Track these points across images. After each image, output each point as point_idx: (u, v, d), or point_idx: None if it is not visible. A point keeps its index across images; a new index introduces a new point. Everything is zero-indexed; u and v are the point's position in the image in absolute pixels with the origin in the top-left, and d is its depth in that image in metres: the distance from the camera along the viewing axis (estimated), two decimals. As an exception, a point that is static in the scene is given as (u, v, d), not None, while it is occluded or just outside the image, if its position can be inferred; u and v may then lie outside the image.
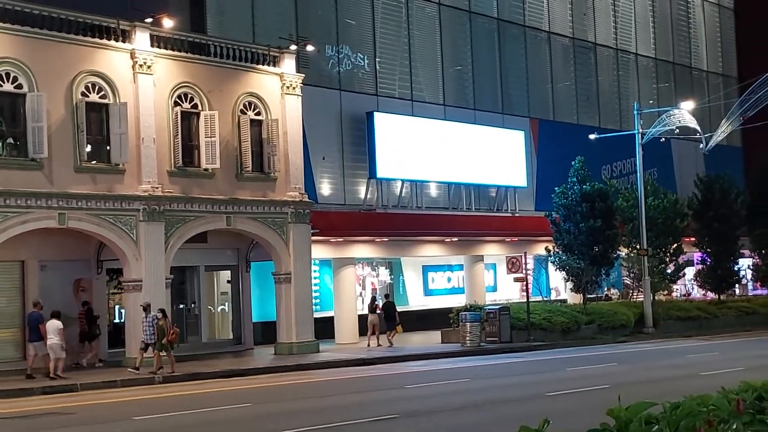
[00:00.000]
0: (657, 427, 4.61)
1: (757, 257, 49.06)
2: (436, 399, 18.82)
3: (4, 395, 20.70)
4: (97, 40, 26.22)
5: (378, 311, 33.09)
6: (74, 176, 25.53)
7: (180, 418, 16.96)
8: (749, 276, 51.09)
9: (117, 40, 26.60)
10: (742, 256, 47.83)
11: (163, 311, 24.43)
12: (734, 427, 4.58)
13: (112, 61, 26.50)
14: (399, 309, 34.28)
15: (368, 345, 32.33)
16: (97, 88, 26.14)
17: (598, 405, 5.37)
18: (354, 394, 20.48)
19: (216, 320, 32.56)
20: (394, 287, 40.40)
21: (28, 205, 24.38)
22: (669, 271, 41.72)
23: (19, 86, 24.57)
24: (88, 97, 25.92)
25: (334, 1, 38.45)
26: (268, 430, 15.39)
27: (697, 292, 48.20)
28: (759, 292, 50.65)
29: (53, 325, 23.29)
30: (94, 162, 26.20)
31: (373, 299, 34.73)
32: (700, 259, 45.76)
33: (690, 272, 46.82)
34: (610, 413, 4.64)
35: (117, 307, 28.21)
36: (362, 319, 34.97)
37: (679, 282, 44.95)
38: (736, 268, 46.13)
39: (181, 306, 29.85)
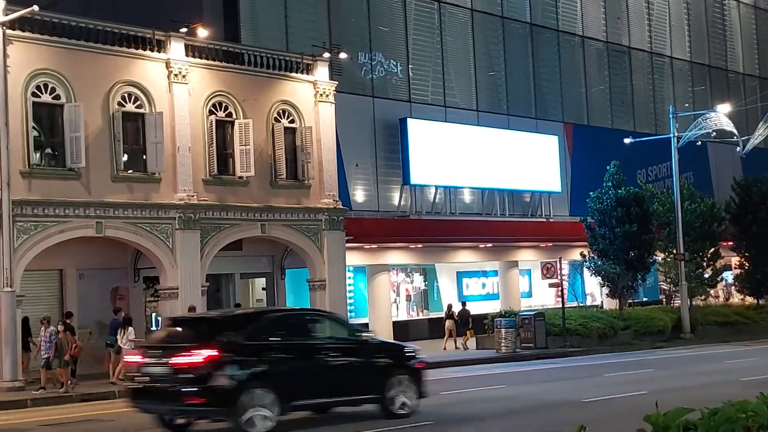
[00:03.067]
0: (696, 433, 4.55)
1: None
2: (472, 405, 18.65)
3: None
4: (132, 50, 26.49)
5: (455, 317, 33.77)
6: (111, 185, 25.80)
7: None
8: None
9: (152, 51, 26.86)
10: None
11: (65, 324, 22.72)
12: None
13: (148, 71, 26.75)
14: (433, 315, 34.26)
15: (444, 348, 32.75)
16: (133, 97, 26.39)
17: (636, 411, 5.33)
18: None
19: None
20: (428, 293, 40.37)
21: (66, 215, 24.67)
22: (706, 275, 41.23)
23: (57, 97, 24.88)
24: (124, 106, 26.17)
25: (367, 9, 38.54)
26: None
27: (735, 297, 47.60)
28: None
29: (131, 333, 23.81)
30: (130, 171, 26.47)
31: (450, 306, 35.21)
32: (738, 263, 45.27)
33: (728, 277, 46.30)
34: (647, 419, 4.57)
35: (153, 314, 28.38)
36: (396, 325, 35.15)
37: (717, 287, 44.42)
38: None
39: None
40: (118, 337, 23.94)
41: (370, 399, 16.10)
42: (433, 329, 37.96)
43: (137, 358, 15.29)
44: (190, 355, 13.80)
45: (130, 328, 24.05)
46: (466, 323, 33.87)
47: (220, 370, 13.82)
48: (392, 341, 22.16)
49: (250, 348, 14.64)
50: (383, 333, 34.34)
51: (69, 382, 22.11)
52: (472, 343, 33.69)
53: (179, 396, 13.98)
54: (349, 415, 16.32)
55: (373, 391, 15.90)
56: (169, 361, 14.11)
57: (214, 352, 13.88)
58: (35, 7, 23.11)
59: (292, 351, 15.49)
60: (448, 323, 33.94)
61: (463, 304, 35.69)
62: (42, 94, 24.65)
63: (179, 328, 16.86)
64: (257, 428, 13.89)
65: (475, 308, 38.37)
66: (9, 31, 23.09)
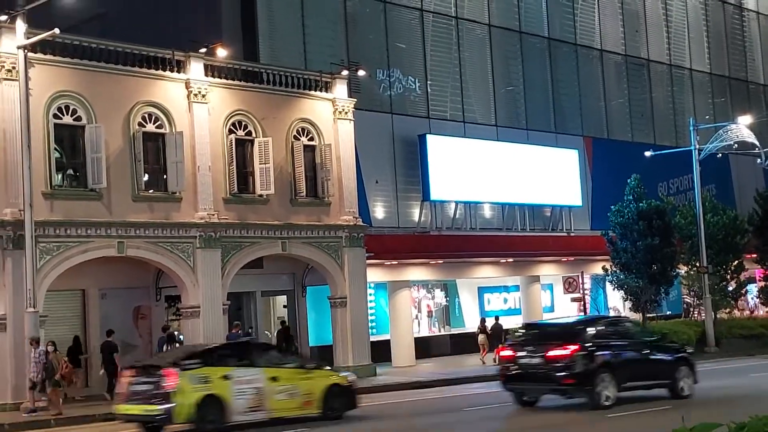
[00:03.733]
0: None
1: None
2: (493, 422, 18.67)
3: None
4: (152, 71, 26.66)
5: (488, 331, 34.23)
6: (132, 205, 25.91)
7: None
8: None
9: (172, 71, 27.03)
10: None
11: (54, 344, 22.63)
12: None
13: (168, 91, 26.91)
14: (455, 331, 34.11)
15: (483, 362, 33.04)
16: (153, 118, 26.54)
17: (662, 426, 5.29)
18: (411, 417, 20.34)
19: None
20: (450, 309, 40.31)
21: (88, 235, 24.78)
22: (730, 288, 40.94)
23: (78, 118, 25.06)
24: (144, 127, 26.32)
25: (384, 26, 38.69)
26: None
27: (761, 310, 47.18)
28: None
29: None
30: (151, 191, 26.58)
31: (483, 320, 35.57)
32: (763, 275, 44.89)
33: (752, 289, 45.89)
34: None
35: (176, 333, 28.46)
36: (418, 341, 35.16)
37: (741, 299, 44.04)
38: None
39: (236, 332, 29.93)
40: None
41: (664, 384, 20.57)
42: (455, 345, 37.91)
43: (509, 353, 20.49)
44: (563, 349, 18.78)
45: (176, 344, 25.26)
46: (498, 338, 33.54)
47: (582, 360, 18.67)
48: (673, 341, 26.54)
49: (596, 345, 19.40)
50: (405, 350, 34.40)
51: (60, 402, 21.86)
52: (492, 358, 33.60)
53: (554, 379, 18.83)
54: (640, 397, 20.03)
55: (667, 377, 20.50)
56: (545, 354, 19.00)
57: (576, 347, 18.81)
58: (56, 30, 23.30)
59: (619, 347, 20.25)
60: (481, 338, 34.22)
61: (496, 318, 35.48)
62: (63, 115, 24.84)
63: (540, 331, 22.63)
64: (604, 402, 18.60)
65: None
66: (30, 54, 23.24)
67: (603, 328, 21.56)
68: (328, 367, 21.98)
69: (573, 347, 18.86)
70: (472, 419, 19.22)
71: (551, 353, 19.02)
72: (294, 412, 18.60)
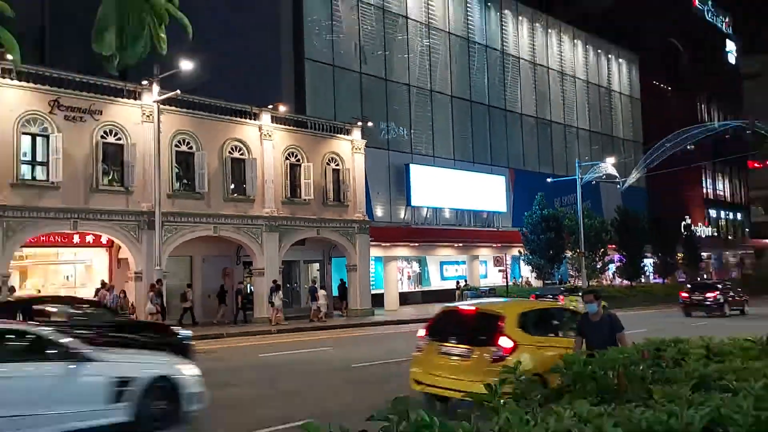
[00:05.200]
0: (590, 367, 4.61)
1: (656, 258, 48.28)
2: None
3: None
4: (237, 119, 26.69)
5: (461, 289, 34.98)
6: (223, 203, 25.94)
7: (292, 356, 17.08)
8: (651, 270, 50.23)
9: (250, 119, 27.06)
10: (646, 257, 47.06)
11: (153, 286, 21.83)
12: (641, 367, 4.60)
13: (247, 132, 26.93)
14: (425, 289, 34.11)
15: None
16: (237, 148, 26.57)
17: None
18: (399, 340, 20.43)
19: (305, 295, 32.67)
20: (422, 275, 40.34)
21: (195, 222, 24.86)
22: (598, 266, 41.18)
23: (190, 147, 25.13)
24: (232, 154, 26.34)
25: (385, 95, 38.72)
26: (350, 360, 15.51)
27: (617, 281, 47.49)
28: (657, 280, 49.68)
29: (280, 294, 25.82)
30: (235, 194, 26.55)
31: (458, 282, 36.61)
32: (618, 258, 45.13)
33: (612, 267, 46.16)
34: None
35: (249, 285, 28.51)
36: (401, 294, 35.23)
37: (604, 273, 44.28)
38: (642, 265, 45.37)
39: (288, 285, 30.06)
40: (274, 298, 25.57)
41: None
42: (425, 297, 37.97)
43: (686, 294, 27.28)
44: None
45: (279, 292, 25.79)
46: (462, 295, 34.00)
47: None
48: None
49: None
50: (393, 299, 34.38)
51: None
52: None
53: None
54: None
55: None
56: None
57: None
58: (178, 91, 23.46)
59: None
60: (458, 293, 34.54)
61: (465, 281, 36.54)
62: (181, 145, 24.90)
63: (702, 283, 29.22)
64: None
65: (451, 284, 38.39)
66: (161, 106, 23.36)
67: None
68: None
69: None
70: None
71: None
72: None
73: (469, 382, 8.05)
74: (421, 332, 9.89)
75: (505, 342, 8.77)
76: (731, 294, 30.61)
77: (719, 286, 31.31)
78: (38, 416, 7.42)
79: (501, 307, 10.17)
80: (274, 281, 26.23)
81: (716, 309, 28.99)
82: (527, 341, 8.94)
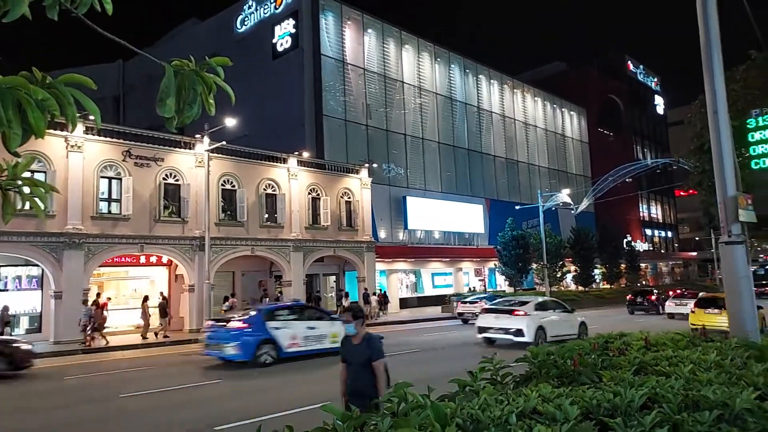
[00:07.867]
0: (553, 356, 4.59)
1: (604, 267, 47.86)
2: (439, 341, 18.51)
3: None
4: (270, 163, 26.71)
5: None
6: (259, 229, 25.87)
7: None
8: (600, 278, 49.79)
9: (280, 163, 27.09)
10: (596, 267, 46.67)
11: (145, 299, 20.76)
12: (592, 356, 4.58)
13: (278, 172, 26.94)
14: (420, 295, 33.65)
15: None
16: (270, 186, 26.57)
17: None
18: (401, 336, 20.14)
19: (328, 301, 32.40)
20: (417, 284, 40.05)
21: (236, 244, 24.78)
22: (558, 275, 40.88)
23: (233, 185, 25.17)
24: (266, 191, 26.32)
25: (386, 142, 38.89)
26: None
27: (572, 286, 47.07)
28: (605, 286, 49.25)
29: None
30: (268, 222, 26.48)
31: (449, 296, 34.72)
32: (574, 270, 44.80)
33: (569, 276, 45.79)
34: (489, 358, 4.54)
35: (280, 295, 28.32)
36: (401, 300, 34.73)
37: (563, 282, 43.91)
38: (592, 274, 44.97)
39: (310, 294, 29.90)
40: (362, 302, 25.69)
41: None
42: (420, 302, 37.62)
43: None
44: None
45: (371, 297, 25.84)
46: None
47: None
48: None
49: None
50: (394, 306, 34.02)
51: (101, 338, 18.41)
52: (438, 310, 33.11)
53: None
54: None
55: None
56: None
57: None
58: (224, 142, 23.67)
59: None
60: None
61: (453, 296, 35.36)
62: (226, 184, 24.97)
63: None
64: None
65: (440, 292, 38.00)
66: (211, 154, 23.53)
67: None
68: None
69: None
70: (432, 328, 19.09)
71: None
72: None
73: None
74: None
75: None
76: (664, 297, 30.52)
77: (656, 291, 31.40)
78: None
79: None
80: (313, 292, 25.85)
81: (653, 309, 29.10)
82: None
